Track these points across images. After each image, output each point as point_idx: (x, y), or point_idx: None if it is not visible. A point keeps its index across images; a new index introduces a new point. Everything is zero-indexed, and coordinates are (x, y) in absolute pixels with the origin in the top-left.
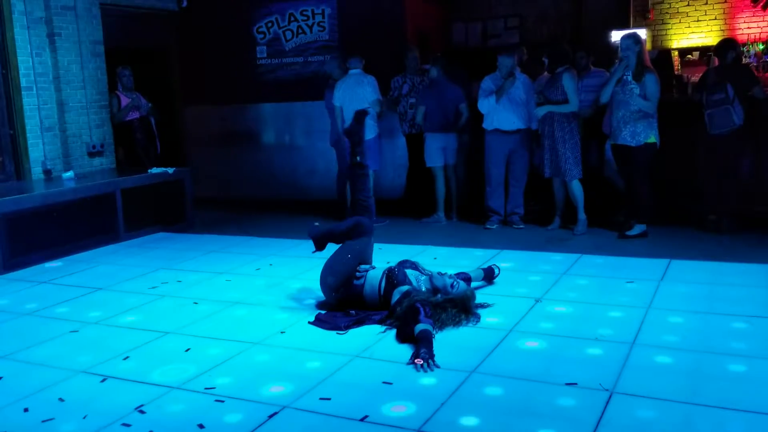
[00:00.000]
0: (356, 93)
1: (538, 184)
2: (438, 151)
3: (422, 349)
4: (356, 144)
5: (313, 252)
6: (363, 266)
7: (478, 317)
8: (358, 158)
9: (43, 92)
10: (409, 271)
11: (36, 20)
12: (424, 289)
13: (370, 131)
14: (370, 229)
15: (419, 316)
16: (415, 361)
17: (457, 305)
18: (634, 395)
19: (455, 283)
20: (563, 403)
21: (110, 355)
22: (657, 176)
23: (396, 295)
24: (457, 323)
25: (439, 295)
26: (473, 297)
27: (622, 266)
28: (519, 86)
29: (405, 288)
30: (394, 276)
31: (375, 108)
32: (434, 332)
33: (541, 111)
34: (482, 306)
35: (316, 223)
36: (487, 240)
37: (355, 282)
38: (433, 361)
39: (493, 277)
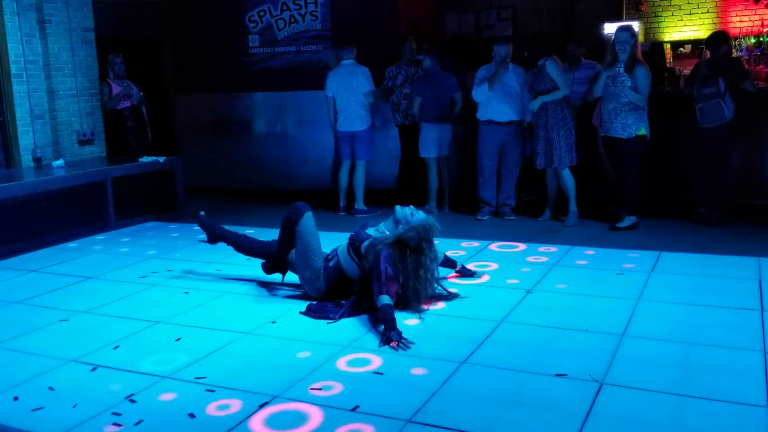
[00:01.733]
0: (349, 83)
1: (530, 175)
2: (433, 142)
3: (390, 332)
4: None
5: (282, 281)
6: (330, 250)
7: (436, 259)
8: None
9: (33, 79)
10: (369, 230)
11: (26, 6)
12: (388, 233)
13: (363, 122)
14: (304, 204)
15: (381, 275)
16: (391, 345)
17: (419, 233)
18: (624, 386)
19: (414, 212)
20: (553, 394)
21: (100, 344)
22: (647, 168)
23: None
24: (423, 269)
25: (400, 227)
26: (434, 225)
27: (612, 258)
28: (513, 77)
29: (367, 242)
30: (356, 238)
31: (368, 99)
32: (417, 301)
33: (536, 104)
34: (454, 296)
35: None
36: (478, 231)
37: (331, 264)
38: (406, 339)
39: (453, 267)
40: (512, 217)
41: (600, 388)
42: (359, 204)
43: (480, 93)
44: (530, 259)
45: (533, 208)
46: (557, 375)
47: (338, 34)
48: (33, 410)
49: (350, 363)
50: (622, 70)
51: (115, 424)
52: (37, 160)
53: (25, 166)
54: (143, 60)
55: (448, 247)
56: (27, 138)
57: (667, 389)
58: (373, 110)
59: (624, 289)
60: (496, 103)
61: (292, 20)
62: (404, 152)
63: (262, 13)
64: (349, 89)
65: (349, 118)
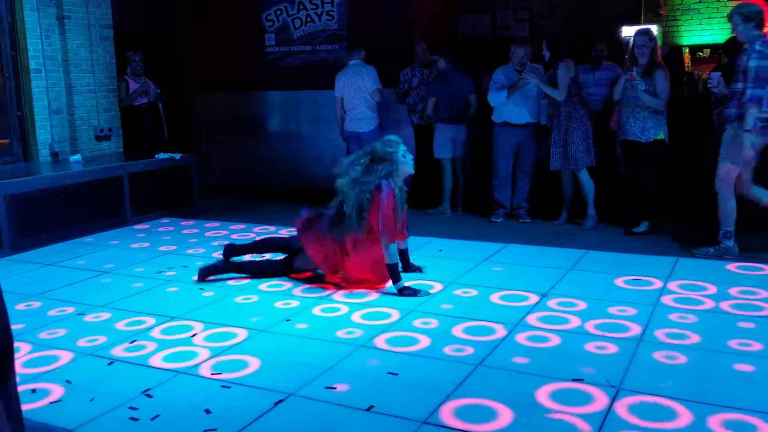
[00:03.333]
0: (355, 83)
1: (546, 178)
2: (447, 143)
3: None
4: None
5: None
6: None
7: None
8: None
9: (52, 75)
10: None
11: (46, 2)
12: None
13: (371, 122)
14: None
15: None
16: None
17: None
18: (641, 392)
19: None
20: (569, 399)
21: (117, 339)
22: (666, 173)
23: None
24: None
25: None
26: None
27: (629, 263)
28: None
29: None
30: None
31: (375, 97)
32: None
33: (529, 77)
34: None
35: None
36: (492, 233)
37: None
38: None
39: (407, 265)
40: (527, 220)
41: (616, 393)
42: None
43: (496, 99)
44: (545, 262)
45: (549, 211)
46: (573, 380)
47: (354, 34)
48: (50, 403)
49: (365, 362)
50: (635, 73)
51: (132, 418)
52: (55, 155)
53: (43, 161)
54: (160, 57)
55: (461, 248)
56: (45, 133)
57: (685, 396)
58: (387, 111)
59: (641, 295)
60: (512, 105)
61: (309, 19)
62: (419, 153)
63: (278, 12)
64: (356, 89)
65: (356, 119)
